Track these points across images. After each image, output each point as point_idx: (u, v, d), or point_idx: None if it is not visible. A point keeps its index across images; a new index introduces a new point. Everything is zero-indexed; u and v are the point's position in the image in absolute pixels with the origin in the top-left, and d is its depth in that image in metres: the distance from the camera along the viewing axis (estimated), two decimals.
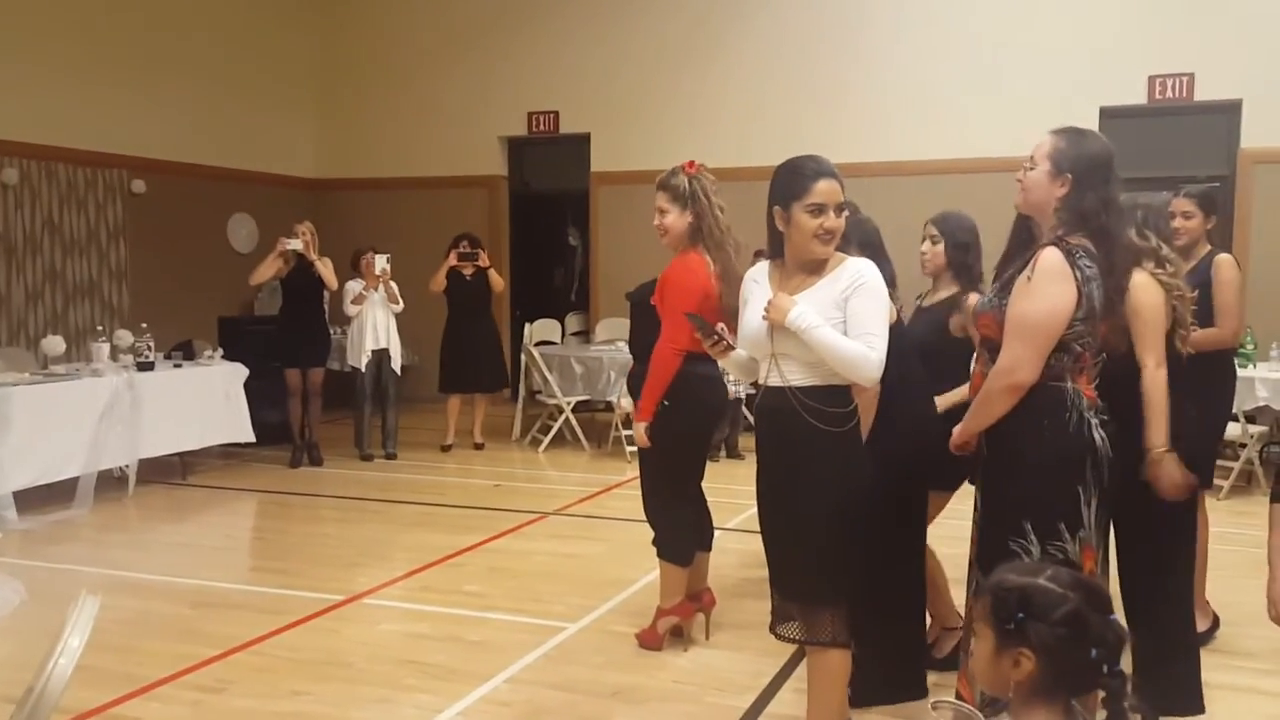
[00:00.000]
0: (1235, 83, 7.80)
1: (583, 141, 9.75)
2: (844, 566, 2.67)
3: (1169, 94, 8.03)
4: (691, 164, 3.70)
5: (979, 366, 2.64)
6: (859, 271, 2.61)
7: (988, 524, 2.57)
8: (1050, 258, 2.41)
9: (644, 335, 3.75)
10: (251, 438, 7.16)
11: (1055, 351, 2.42)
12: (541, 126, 9.88)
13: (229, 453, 7.50)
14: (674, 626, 3.85)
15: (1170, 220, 3.84)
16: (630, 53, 9.47)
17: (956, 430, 2.64)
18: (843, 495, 2.61)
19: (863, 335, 2.54)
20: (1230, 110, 7.91)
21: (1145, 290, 2.90)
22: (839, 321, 2.57)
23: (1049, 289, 2.39)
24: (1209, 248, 3.95)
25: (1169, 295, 2.97)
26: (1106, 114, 7.97)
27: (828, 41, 8.88)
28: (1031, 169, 2.54)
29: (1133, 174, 8.26)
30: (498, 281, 8.04)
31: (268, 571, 5.09)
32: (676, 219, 3.62)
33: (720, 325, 2.97)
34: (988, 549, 2.54)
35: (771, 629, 2.81)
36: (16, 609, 4.17)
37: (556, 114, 9.81)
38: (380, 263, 7.48)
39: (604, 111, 9.60)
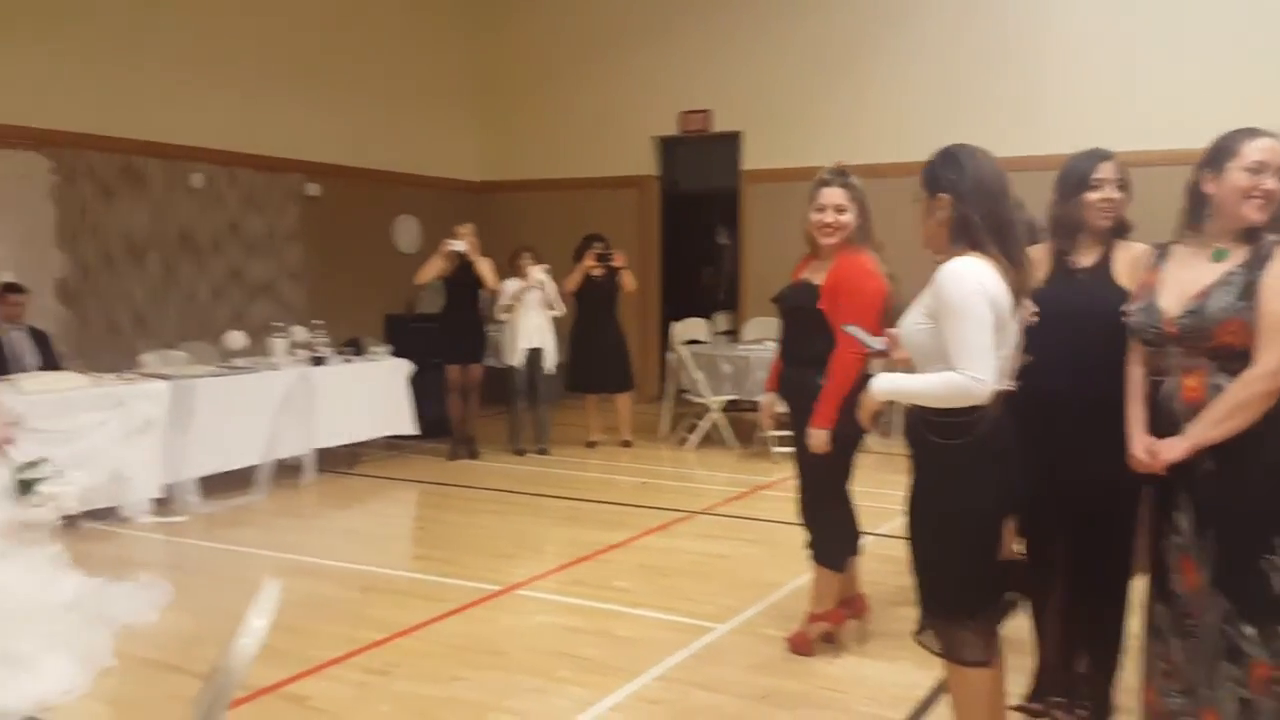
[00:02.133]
0: None
1: (734, 140, 9.73)
2: (971, 583, 2.56)
3: None
4: (841, 164, 3.65)
5: (1197, 378, 2.45)
6: (938, 284, 2.46)
7: (1228, 545, 2.39)
8: None
9: (803, 341, 3.66)
10: (415, 430, 7.47)
11: None
12: (693, 125, 9.91)
13: (393, 444, 7.84)
14: (826, 632, 3.80)
15: None
16: (783, 50, 9.39)
17: (1179, 445, 2.44)
18: (959, 510, 2.49)
19: (954, 360, 2.41)
20: None
21: None
22: (924, 327, 2.49)
23: None
24: None
25: None
26: None
27: (979, 35, 8.59)
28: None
29: None
30: (629, 282, 8.08)
31: (429, 559, 5.29)
32: (853, 218, 3.57)
33: (887, 335, 2.87)
34: (1231, 572, 2.38)
35: (914, 635, 2.75)
36: (168, 604, 4.32)
37: (708, 113, 9.82)
38: (537, 274, 7.67)
39: (756, 109, 9.54)
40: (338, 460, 7.29)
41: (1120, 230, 3.01)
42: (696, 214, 10.88)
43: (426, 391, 7.62)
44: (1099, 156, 3.00)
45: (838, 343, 3.51)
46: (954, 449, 2.47)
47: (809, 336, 3.60)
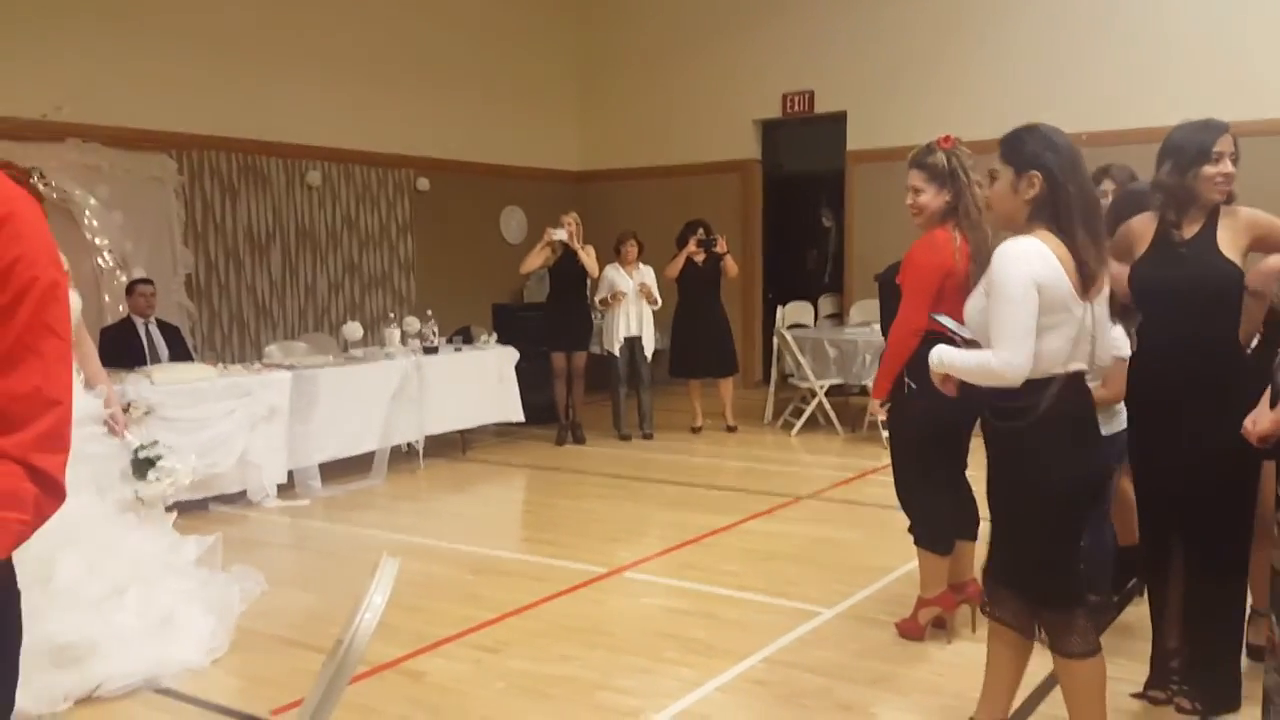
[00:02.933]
0: None
1: (838, 120, 9.59)
2: (1056, 568, 2.55)
3: None
4: (947, 138, 3.54)
5: None
6: (993, 264, 2.48)
7: None
8: None
9: (892, 316, 3.67)
10: (521, 417, 7.63)
11: None
12: (796, 107, 9.81)
13: (502, 431, 8.02)
14: (936, 617, 3.75)
15: None
16: (884, 26, 9.21)
17: (1266, 416, 2.37)
18: (1027, 493, 2.51)
19: (992, 343, 2.46)
20: None
21: None
22: (984, 308, 2.51)
23: None
24: None
25: None
26: None
27: (1080, 6, 8.25)
28: None
29: None
30: (732, 267, 8.04)
31: (538, 542, 5.41)
32: (932, 198, 3.49)
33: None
34: None
35: (984, 610, 2.79)
36: (263, 593, 4.38)
37: (811, 93, 9.70)
38: (640, 274, 7.78)
39: (860, 88, 9.39)
40: (450, 446, 7.49)
41: (1226, 200, 2.90)
42: (800, 196, 10.77)
43: (533, 379, 7.76)
44: (1218, 129, 2.89)
45: (898, 316, 3.51)
46: (1014, 431, 2.49)
47: (895, 313, 3.56)
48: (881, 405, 3.64)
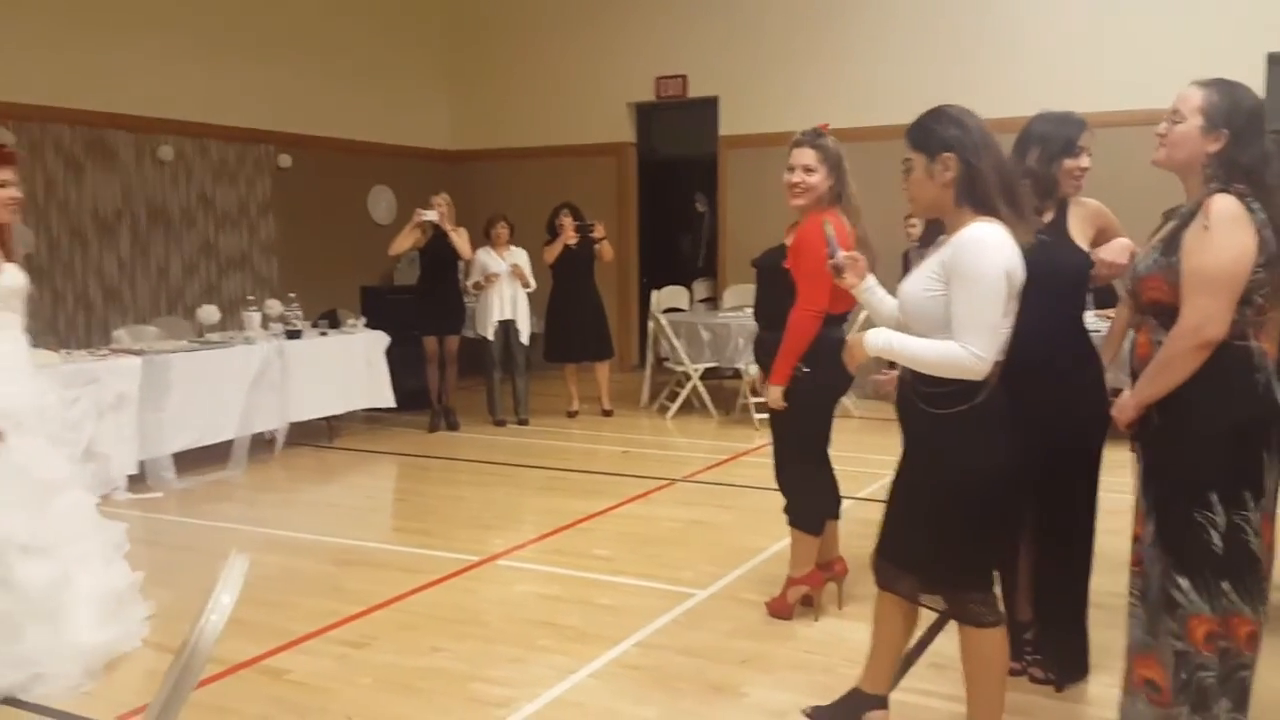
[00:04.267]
0: None
1: (711, 105, 9.65)
2: (981, 551, 2.56)
3: None
4: (826, 126, 3.60)
5: (1144, 335, 2.46)
6: (958, 248, 2.40)
7: (1167, 498, 2.40)
8: (1225, 203, 2.24)
9: (773, 302, 3.68)
10: (392, 403, 7.43)
11: (1237, 305, 2.25)
12: (669, 91, 9.82)
13: (371, 417, 7.80)
14: (804, 595, 3.81)
15: None
16: (758, 12, 9.30)
17: (1128, 403, 2.46)
18: (952, 479, 2.47)
19: (957, 332, 2.37)
20: None
21: None
22: (935, 294, 2.43)
23: (1231, 235, 2.22)
24: None
25: None
26: (1274, 60, 7.40)
27: None
28: (1178, 123, 2.37)
29: None
30: (608, 252, 8.01)
31: (408, 531, 5.27)
32: (822, 180, 3.51)
33: (849, 255, 2.84)
34: (1169, 525, 2.38)
35: (915, 598, 2.74)
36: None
37: (684, 78, 9.73)
38: (513, 256, 7.67)
39: (733, 74, 9.47)
40: (316, 434, 7.25)
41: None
42: (674, 181, 10.81)
43: (404, 364, 7.57)
44: (1080, 125, 3.01)
45: (797, 300, 3.49)
46: (948, 418, 2.45)
47: (779, 298, 3.58)
48: (783, 392, 3.56)
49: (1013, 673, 3.20)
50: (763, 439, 6.65)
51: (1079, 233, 2.99)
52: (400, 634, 3.75)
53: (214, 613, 1.72)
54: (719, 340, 7.73)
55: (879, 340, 2.55)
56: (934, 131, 2.47)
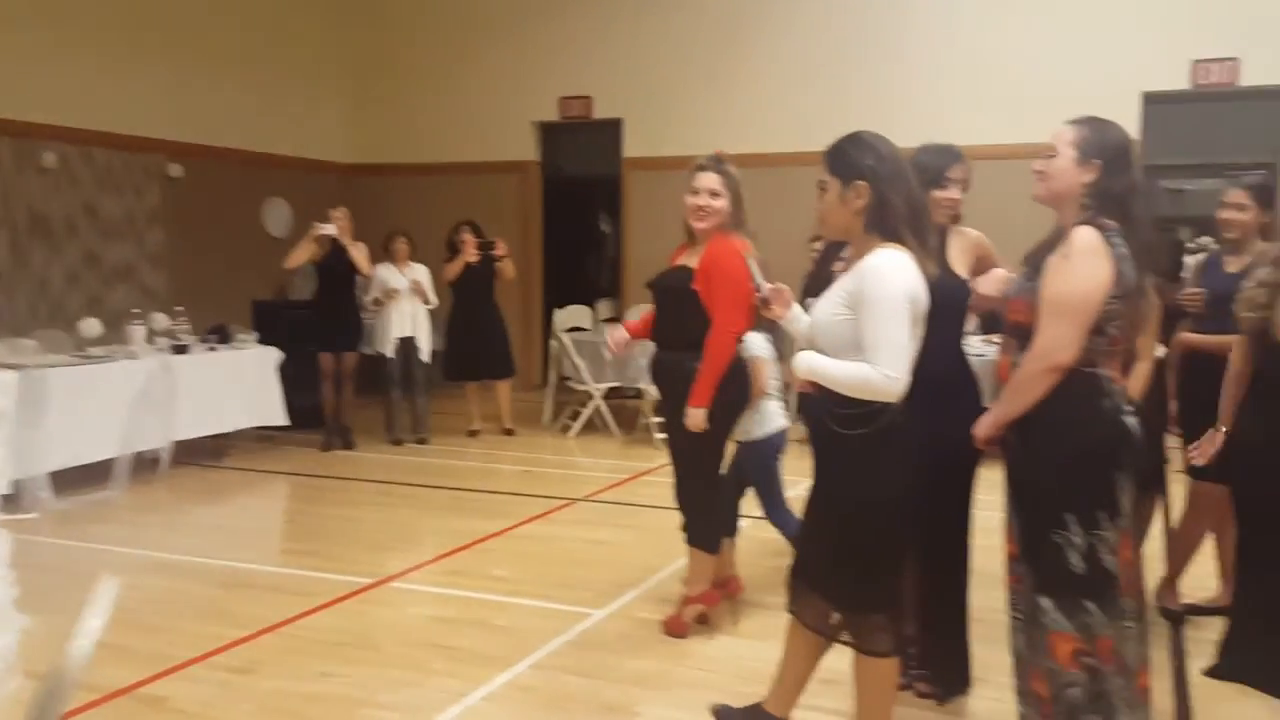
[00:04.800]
0: None
1: (615, 127, 9.71)
2: (882, 574, 2.61)
3: (1213, 79, 7.85)
4: (719, 153, 3.67)
5: (1005, 356, 2.58)
6: (862, 275, 2.47)
7: (1026, 519, 2.49)
8: (1086, 235, 2.36)
9: (674, 323, 3.70)
10: (285, 421, 7.23)
11: (1089, 334, 2.36)
12: (574, 111, 9.85)
13: (263, 436, 7.57)
14: (700, 614, 3.83)
15: (1221, 211, 3.80)
16: (663, 38, 9.41)
17: (985, 422, 2.57)
18: (868, 500, 2.52)
19: (869, 354, 2.43)
20: (1276, 96, 7.71)
21: None
22: (843, 319, 2.49)
23: (1087, 266, 2.34)
24: (1261, 244, 3.74)
25: None
26: (1149, 99, 7.82)
27: (865, 23, 8.78)
28: (1052, 157, 2.49)
29: (1176, 161, 8.13)
30: (509, 270, 7.98)
31: (298, 554, 5.13)
32: (726, 204, 3.58)
33: (774, 287, 2.88)
34: (1030, 543, 2.48)
35: (789, 610, 2.78)
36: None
37: (589, 99, 9.78)
38: (414, 272, 7.59)
39: (636, 97, 9.55)
40: (203, 453, 7.01)
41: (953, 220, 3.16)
42: (578, 200, 10.82)
43: (299, 380, 7.38)
44: (953, 156, 3.13)
45: (712, 324, 3.53)
46: (858, 439, 2.49)
47: (682, 320, 3.61)
48: (705, 414, 3.55)
49: (898, 688, 3.28)
50: (663, 458, 6.67)
51: (959, 261, 3.10)
52: (287, 659, 3.64)
53: (81, 638, 1.65)
54: (621, 360, 7.72)
55: (804, 364, 2.58)
56: (851, 158, 2.52)
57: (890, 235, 2.48)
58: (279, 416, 7.20)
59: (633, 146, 9.67)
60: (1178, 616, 3.91)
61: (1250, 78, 7.74)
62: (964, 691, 3.25)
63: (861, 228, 2.52)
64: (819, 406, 2.58)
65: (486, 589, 4.41)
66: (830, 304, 2.56)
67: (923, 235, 2.52)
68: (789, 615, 2.81)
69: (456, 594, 4.36)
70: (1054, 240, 2.44)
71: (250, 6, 9.34)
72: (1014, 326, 2.53)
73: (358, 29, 10.51)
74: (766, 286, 2.86)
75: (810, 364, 2.56)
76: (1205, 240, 4.11)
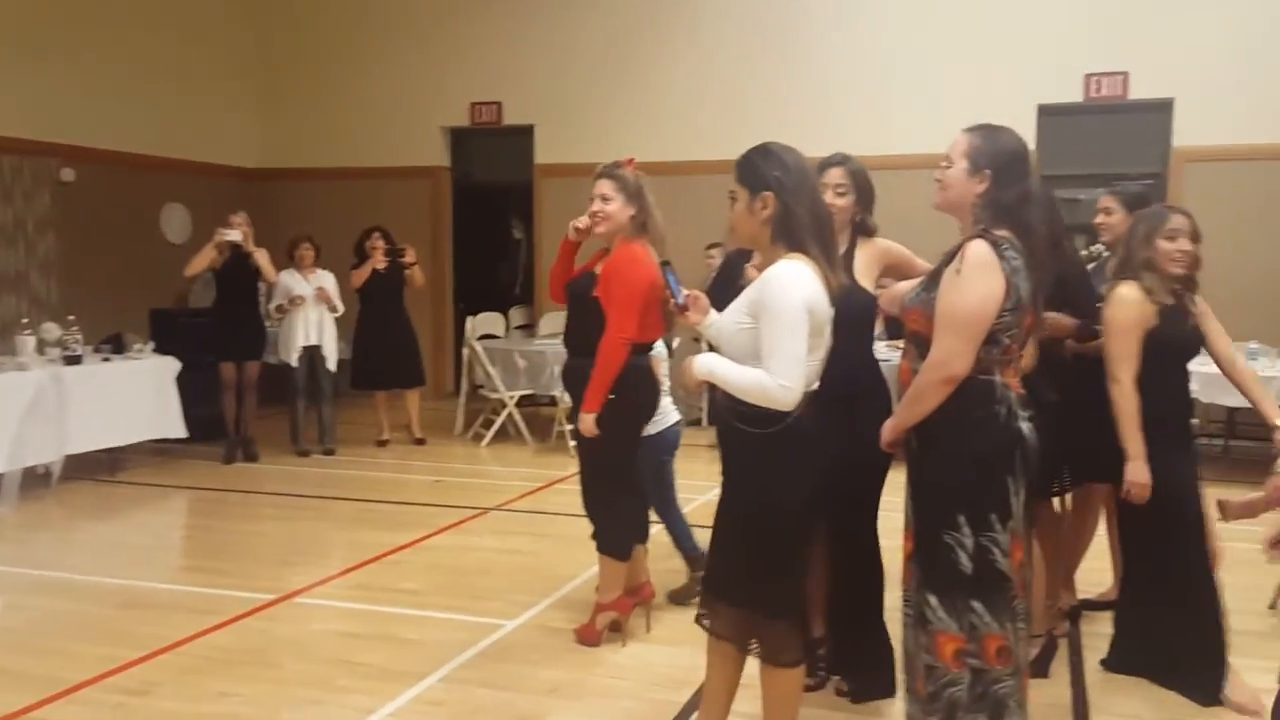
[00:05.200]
0: (1168, 82, 7.96)
1: (526, 133, 9.66)
2: (786, 579, 2.63)
3: (1104, 92, 8.17)
4: (630, 161, 3.68)
5: (906, 361, 2.63)
6: (764, 285, 2.51)
7: (921, 518, 2.56)
8: (979, 249, 2.42)
9: (582, 329, 3.70)
10: (183, 433, 6.99)
11: (984, 344, 2.42)
12: (484, 117, 9.77)
13: (160, 449, 7.31)
14: (613, 621, 3.82)
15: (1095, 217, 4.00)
16: (575, 44, 9.40)
17: (887, 426, 2.63)
18: (771, 503, 2.54)
19: (765, 362, 2.46)
20: (1163, 109, 8.06)
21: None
22: (745, 327, 2.53)
23: (979, 280, 2.39)
24: None
25: None
26: (1044, 111, 8.09)
27: (771, 35, 8.90)
28: (948, 167, 2.55)
29: (1068, 171, 8.41)
30: (419, 278, 7.88)
31: (198, 571, 4.96)
32: (620, 209, 3.59)
33: (690, 294, 2.89)
34: (923, 544, 2.54)
35: (697, 620, 2.77)
36: None
37: (500, 105, 9.71)
38: (319, 279, 7.42)
39: (548, 104, 9.52)
40: (97, 467, 6.73)
41: (862, 229, 3.19)
42: (490, 207, 10.73)
43: (199, 391, 7.15)
44: (830, 163, 3.24)
45: (607, 328, 3.53)
46: (763, 438, 2.51)
47: (587, 326, 3.61)
48: (596, 420, 3.56)
49: (808, 689, 3.31)
50: (577, 466, 6.64)
51: (864, 272, 3.16)
52: (186, 679, 3.52)
53: None
54: (535, 367, 7.71)
55: (703, 365, 2.60)
56: (759, 169, 2.56)
57: (795, 245, 2.52)
58: (177, 429, 6.96)
59: (544, 153, 9.63)
60: (1073, 612, 4.04)
61: (1139, 90, 8.07)
62: (889, 694, 3.26)
63: (769, 237, 2.56)
64: (725, 407, 2.60)
65: (395, 602, 4.32)
66: (734, 313, 2.60)
67: (827, 245, 2.56)
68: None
69: (364, 608, 4.26)
70: (954, 251, 2.50)
71: (150, 6, 9.03)
72: (913, 335, 2.58)
73: (262, 30, 10.25)
74: (683, 294, 2.88)
75: (708, 366, 2.59)
76: (1098, 248, 4.25)
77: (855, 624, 3.27)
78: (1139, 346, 3.19)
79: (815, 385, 2.59)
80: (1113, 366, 3.21)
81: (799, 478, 2.54)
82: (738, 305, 2.59)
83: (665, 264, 3.04)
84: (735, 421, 2.56)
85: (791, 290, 2.45)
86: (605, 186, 3.61)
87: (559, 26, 9.44)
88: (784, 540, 2.58)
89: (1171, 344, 3.23)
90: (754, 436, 2.52)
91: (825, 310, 2.52)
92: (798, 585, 2.71)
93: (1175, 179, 8.01)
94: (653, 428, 3.93)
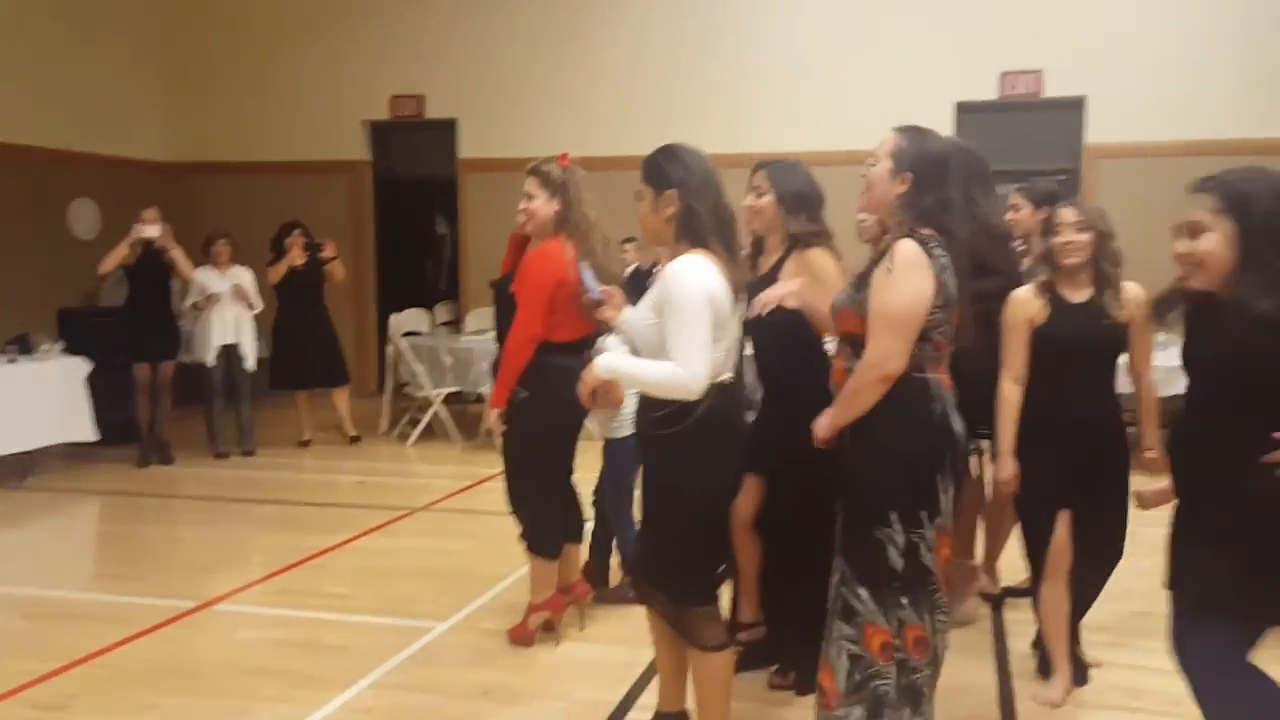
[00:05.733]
0: (1081, 80, 8.18)
1: (450, 127, 9.53)
2: (704, 568, 2.71)
3: (1019, 90, 8.36)
4: (564, 156, 3.64)
5: (840, 361, 2.65)
6: (666, 279, 2.56)
7: (852, 514, 2.58)
8: (908, 248, 2.45)
9: (507, 323, 3.67)
10: (94, 436, 6.74)
11: (916, 342, 2.45)
12: (405, 110, 9.61)
13: (71, 453, 7.04)
14: (545, 621, 3.79)
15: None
16: (499, 38, 9.30)
17: (822, 424, 2.64)
18: (685, 496, 2.61)
19: (671, 354, 2.51)
20: (1076, 106, 8.29)
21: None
22: (652, 323, 2.59)
23: (910, 279, 2.42)
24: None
25: None
26: (961, 108, 8.26)
27: (695, 31, 8.91)
28: (874, 165, 2.58)
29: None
30: (339, 272, 7.71)
31: (114, 578, 4.80)
32: (543, 205, 3.57)
33: (606, 290, 2.88)
34: (852, 539, 2.56)
35: (637, 599, 2.87)
36: None
37: (422, 97, 9.55)
38: (236, 274, 7.25)
39: (472, 97, 9.40)
40: (5, 473, 6.45)
41: (802, 239, 3.18)
42: (414, 202, 10.55)
43: (111, 393, 6.90)
44: (756, 166, 3.26)
45: (514, 325, 3.52)
46: (672, 436, 2.57)
47: (509, 322, 3.58)
48: (500, 415, 3.60)
49: (776, 686, 3.32)
50: None
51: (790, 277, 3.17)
52: (104, 691, 3.40)
53: None
54: (461, 364, 7.61)
55: (606, 363, 2.66)
56: (663, 169, 2.64)
57: (698, 242, 2.59)
58: (88, 432, 6.71)
59: (468, 147, 9.51)
60: (997, 599, 4.13)
61: (1053, 89, 8.28)
62: None
63: (673, 235, 2.63)
64: (640, 405, 2.68)
65: (321, 607, 4.23)
66: (642, 309, 2.66)
67: (729, 243, 2.64)
68: (645, 608, 2.86)
69: (288, 614, 4.17)
70: (883, 251, 2.52)
71: None
72: (845, 335, 2.60)
73: (174, 16, 9.90)
74: (598, 290, 2.87)
75: (610, 364, 2.65)
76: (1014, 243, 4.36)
77: (801, 615, 3.28)
78: (1024, 344, 3.20)
79: (727, 377, 2.64)
80: (1002, 364, 3.26)
81: (711, 470, 2.61)
82: (645, 302, 2.65)
83: (583, 260, 3.04)
84: (647, 423, 2.64)
85: (692, 282, 2.51)
86: (530, 184, 3.60)
87: (483, 20, 9.32)
88: (696, 532, 2.65)
89: (1057, 341, 3.15)
90: (665, 437, 2.59)
91: (727, 302, 2.58)
92: (712, 576, 2.79)
93: (1088, 175, 8.25)
94: (623, 431, 3.90)
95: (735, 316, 2.65)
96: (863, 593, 2.52)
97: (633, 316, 2.71)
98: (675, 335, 2.50)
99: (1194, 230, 2.17)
